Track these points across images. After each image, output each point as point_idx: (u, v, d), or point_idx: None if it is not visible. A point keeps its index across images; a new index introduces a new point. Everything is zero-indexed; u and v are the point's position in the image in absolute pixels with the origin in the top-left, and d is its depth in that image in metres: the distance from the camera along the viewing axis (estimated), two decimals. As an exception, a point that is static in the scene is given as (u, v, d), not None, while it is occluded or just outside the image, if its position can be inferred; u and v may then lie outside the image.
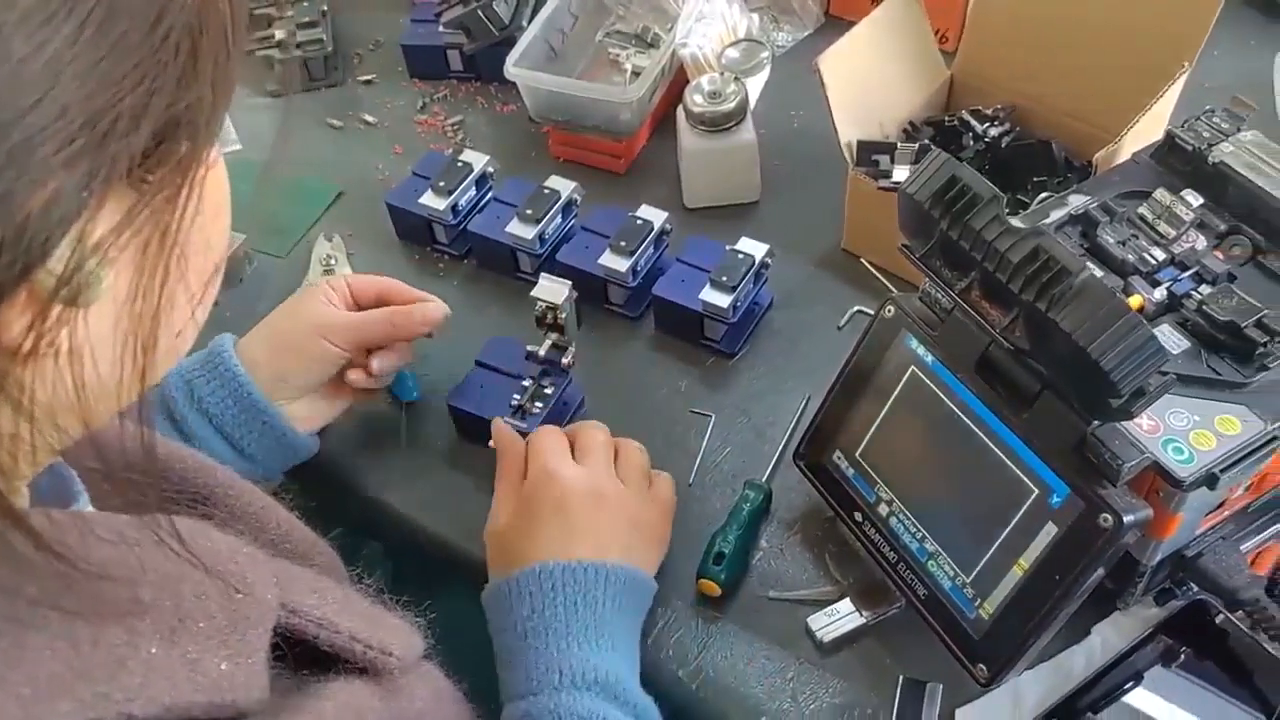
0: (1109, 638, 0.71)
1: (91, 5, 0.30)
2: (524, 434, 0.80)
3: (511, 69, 1.01)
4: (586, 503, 0.71)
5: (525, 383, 0.83)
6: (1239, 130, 0.70)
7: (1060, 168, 0.90)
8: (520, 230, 0.92)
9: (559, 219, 0.94)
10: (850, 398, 0.73)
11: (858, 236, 0.93)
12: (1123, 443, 0.58)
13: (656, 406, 0.87)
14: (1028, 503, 0.62)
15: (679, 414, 0.86)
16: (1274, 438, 0.59)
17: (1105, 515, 0.58)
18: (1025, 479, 0.62)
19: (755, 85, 1.06)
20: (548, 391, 0.82)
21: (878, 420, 0.71)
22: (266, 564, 0.47)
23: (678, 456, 0.84)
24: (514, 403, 0.82)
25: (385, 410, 0.89)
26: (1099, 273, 0.67)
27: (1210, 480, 0.58)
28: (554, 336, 0.82)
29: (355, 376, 0.80)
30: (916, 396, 0.68)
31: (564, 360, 0.83)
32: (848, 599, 0.74)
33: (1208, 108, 0.72)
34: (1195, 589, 0.69)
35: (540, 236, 0.92)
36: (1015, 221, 0.56)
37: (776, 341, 0.90)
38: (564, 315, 0.80)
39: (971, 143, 0.92)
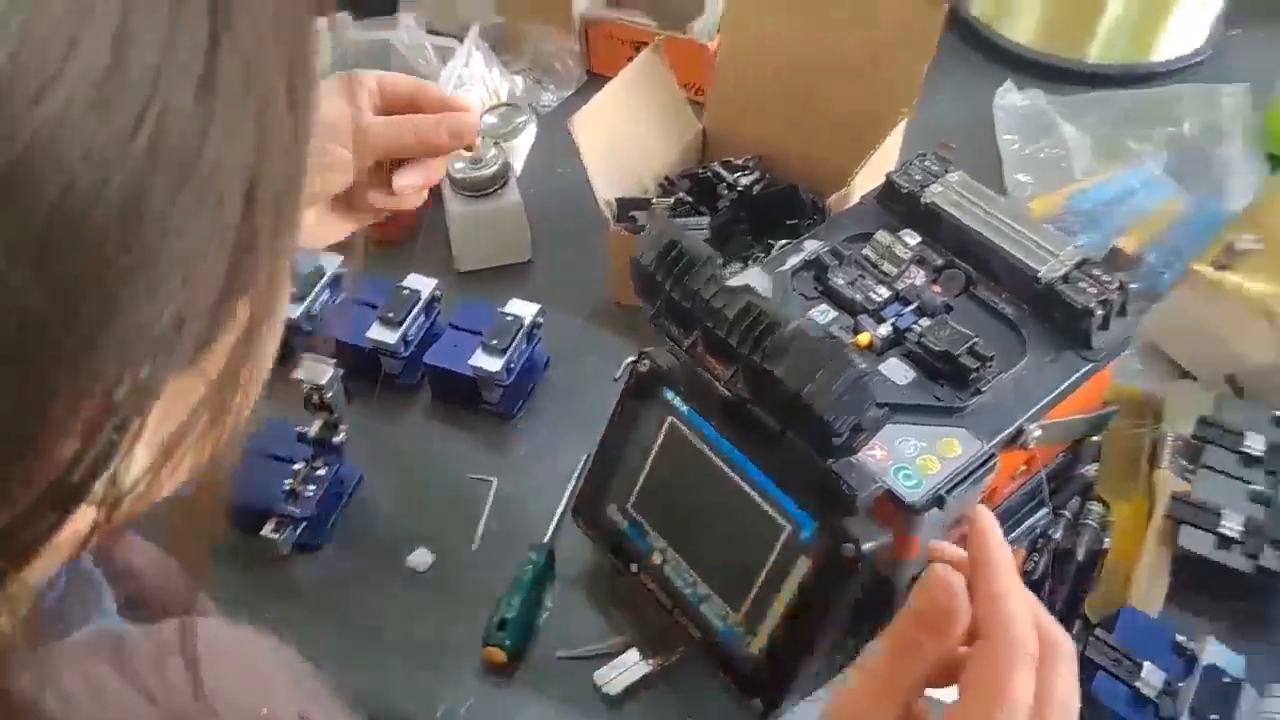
0: (881, 655, 0.75)
1: None
2: (295, 518, 0.79)
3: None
4: None
5: (297, 465, 0.81)
6: (947, 172, 0.76)
7: (808, 210, 0.95)
8: (286, 308, 0.90)
9: (326, 294, 0.93)
10: (618, 451, 0.75)
11: (624, 290, 0.96)
12: (858, 475, 0.61)
13: (436, 476, 0.87)
14: (782, 539, 0.65)
15: (460, 481, 0.86)
16: (991, 455, 0.64)
17: (848, 545, 0.61)
18: (778, 517, 0.65)
19: (522, 146, 1.08)
20: (320, 473, 0.81)
21: (645, 471, 0.73)
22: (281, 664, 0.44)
23: (460, 525, 0.83)
24: (286, 487, 0.80)
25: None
26: (833, 313, 0.71)
27: (938, 501, 0.62)
28: (324, 416, 0.81)
29: (375, 196, 0.69)
30: (676, 445, 0.71)
31: (335, 439, 0.82)
32: (634, 649, 0.75)
33: (920, 153, 0.78)
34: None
35: (307, 314, 0.91)
36: (753, 275, 0.59)
37: (554, 399, 0.92)
38: (330, 395, 0.79)
39: (726, 192, 0.96)
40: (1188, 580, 0.78)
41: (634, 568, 0.74)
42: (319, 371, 0.78)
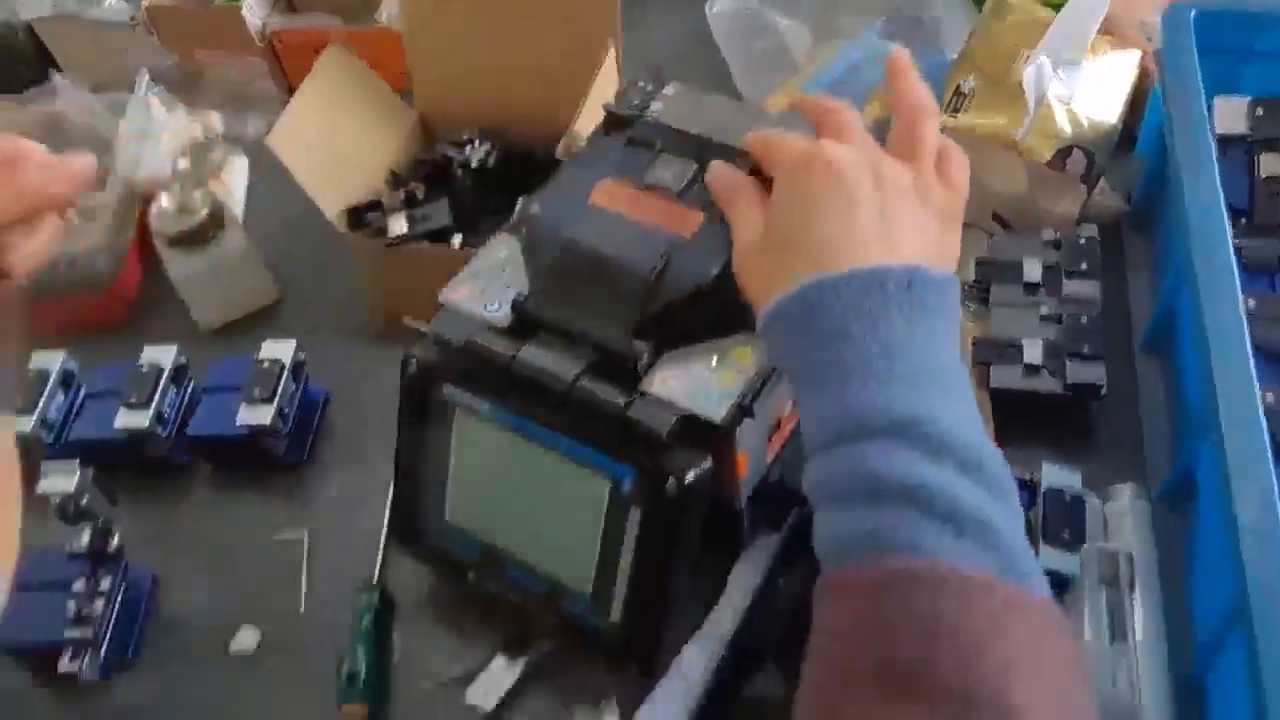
0: (746, 579, 0.72)
1: None
2: (91, 642, 0.70)
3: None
4: (866, 178, 0.51)
5: (76, 586, 0.72)
6: (664, 88, 0.73)
7: (544, 167, 0.91)
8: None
9: (60, 397, 0.83)
10: (416, 464, 0.69)
11: (386, 299, 0.90)
12: (658, 408, 0.58)
13: (240, 548, 0.79)
14: (606, 497, 0.61)
15: (267, 547, 0.79)
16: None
17: (670, 482, 0.58)
18: (595, 475, 0.61)
19: (236, 184, 1.00)
20: (105, 586, 0.72)
21: (450, 475, 0.68)
22: None
23: (281, 593, 0.76)
24: (71, 613, 0.71)
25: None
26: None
27: (746, 413, 0.60)
28: (87, 525, 0.72)
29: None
30: (473, 439, 0.66)
31: (110, 546, 0.73)
32: (499, 657, 0.71)
33: (630, 80, 0.75)
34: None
35: (43, 422, 0.81)
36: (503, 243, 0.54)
37: (344, 433, 0.85)
38: (85, 500, 0.70)
39: (460, 172, 0.91)
40: (1009, 414, 0.79)
41: (471, 575, 0.69)
42: (63, 479, 0.69)
